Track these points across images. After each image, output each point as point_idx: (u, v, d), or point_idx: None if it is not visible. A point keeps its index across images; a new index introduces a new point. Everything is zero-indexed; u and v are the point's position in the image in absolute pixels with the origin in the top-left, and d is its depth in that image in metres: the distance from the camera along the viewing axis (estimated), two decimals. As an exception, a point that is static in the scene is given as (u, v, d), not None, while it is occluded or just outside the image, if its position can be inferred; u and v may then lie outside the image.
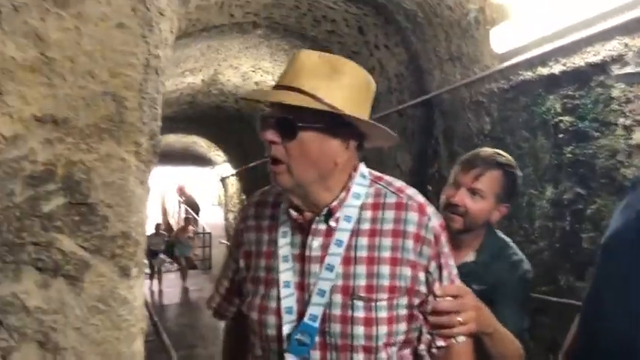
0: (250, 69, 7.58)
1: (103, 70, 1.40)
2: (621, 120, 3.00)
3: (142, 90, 1.45)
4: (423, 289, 1.25)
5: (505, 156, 1.88)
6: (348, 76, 1.21)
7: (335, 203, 1.26)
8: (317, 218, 1.26)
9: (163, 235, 13.64)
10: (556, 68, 3.43)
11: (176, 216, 23.21)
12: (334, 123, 1.20)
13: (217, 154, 14.44)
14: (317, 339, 1.20)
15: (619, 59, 2.95)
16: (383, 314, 1.20)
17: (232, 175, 13.66)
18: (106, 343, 1.51)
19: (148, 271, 12.34)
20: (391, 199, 1.28)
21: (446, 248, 1.30)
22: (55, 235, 1.42)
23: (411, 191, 1.31)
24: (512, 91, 3.87)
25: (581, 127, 3.29)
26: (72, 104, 1.39)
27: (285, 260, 1.28)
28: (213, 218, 18.81)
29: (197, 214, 18.36)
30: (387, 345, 1.21)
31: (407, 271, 1.23)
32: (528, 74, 3.68)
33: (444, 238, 1.29)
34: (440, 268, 1.28)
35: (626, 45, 2.89)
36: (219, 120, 10.59)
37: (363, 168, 1.33)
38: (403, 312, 1.23)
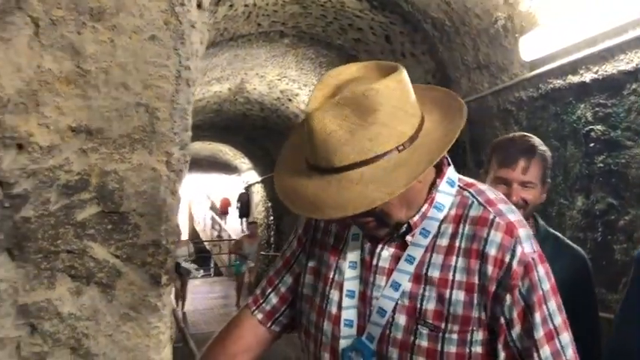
0: (276, 77, 7.65)
1: (136, 82, 1.43)
2: (655, 129, 2.94)
3: (173, 101, 1.48)
4: (493, 325, 1.03)
5: (535, 138, 1.83)
6: (383, 105, 0.95)
7: (417, 218, 1.08)
8: (393, 234, 1.10)
9: (188, 243, 11.57)
10: (587, 76, 3.38)
11: (202, 223, 23.46)
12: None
13: (243, 162, 14.58)
14: None
15: (653, 67, 2.89)
16: (452, 349, 1.02)
17: (258, 182, 13.75)
18: (136, 350, 1.53)
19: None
20: (476, 212, 1.06)
21: (546, 285, 1.03)
22: (88, 243, 1.45)
23: (505, 207, 1.08)
24: (541, 100, 3.82)
25: (614, 136, 3.23)
26: (106, 115, 1.42)
27: (352, 267, 1.14)
28: (238, 226, 18.98)
29: (247, 214, 16.60)
30: None
31: (484, 300, 1.02)
32: (558, 82, 3.63)
33: (540, 272, 1.03)
34: (530, 308, 1.01)
35: (660, 53, 2.84)
36: (245, 128, 10.69)
37: (451, 172, 1.12)
38: (479, 350, 1.03)
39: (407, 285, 1.06)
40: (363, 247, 1.14)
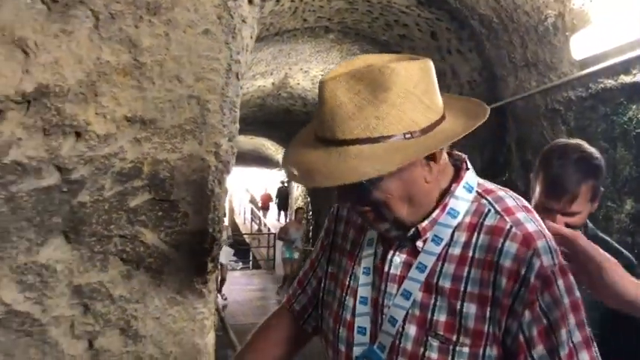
0: (320, 73, 7.67)
1: (189, 75, 1.48)
2: None
3: (223, 94, 1.52)
4: (509, 343, 0.98)
5: (589, 160, 1.65)
6: (397, 85, 0.93)
7: (426, 223, 1.05)
8: (401, 237, 1.08)
9: (227, 227, 11.30)
10: (640, 76, 3.27)
11: (242, 216, 23.76)
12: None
13: (284, 157, 14.67)
14: None
15: None
16: None
17: (298, 177, 13.82)
18: (182, 334, 1.59)
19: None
20: (491, 221, 1.02)
21: (566, 299, 0.97)
22: (139, 229, 1.51)
23: (525, 216, 1.02)
24: (591, 100, 3.72)
25: (667, 138, 3.12)
26: (159, 106, 1.47)
27: (365, 273, 1.13)
28: (276, 218, 19.16)
29: (286, 208, 17.35)
30: None
31: (499, 315, 0.97)
32: (609, 82, 3.53)
33: (561, 285, 0.97)
34: (552, 325, 0.95)
35: None
36: (288, 123, 10.77)
37: (469, 177, 1.09)
38: None
39: (418, 294, 1.04)
40: (376, 253, 1.13)
